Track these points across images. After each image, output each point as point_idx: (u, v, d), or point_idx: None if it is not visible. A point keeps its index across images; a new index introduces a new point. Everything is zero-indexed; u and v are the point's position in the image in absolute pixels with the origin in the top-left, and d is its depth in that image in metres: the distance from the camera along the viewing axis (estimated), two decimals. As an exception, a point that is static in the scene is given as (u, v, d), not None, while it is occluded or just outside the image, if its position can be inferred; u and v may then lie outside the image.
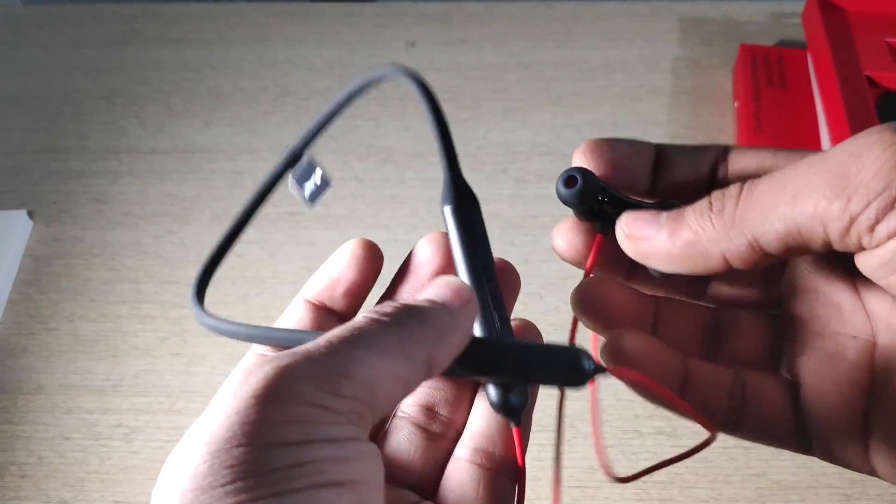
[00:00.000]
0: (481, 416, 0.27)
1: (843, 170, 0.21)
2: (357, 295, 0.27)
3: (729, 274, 0.25)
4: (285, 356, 0.21)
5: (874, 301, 0.26)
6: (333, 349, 0.21)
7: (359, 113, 0.64)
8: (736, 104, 0.61)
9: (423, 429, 0.27)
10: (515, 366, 0.25)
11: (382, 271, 0.28)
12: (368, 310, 0.23)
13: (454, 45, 0.69)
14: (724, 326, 0.29)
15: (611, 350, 0.27)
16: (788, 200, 0.22)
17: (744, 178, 0.26)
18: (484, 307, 0.26)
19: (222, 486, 0.18)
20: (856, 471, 0.26)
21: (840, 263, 0.26)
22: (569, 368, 0.25)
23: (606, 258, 0.28)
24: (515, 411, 0.26)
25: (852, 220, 0.21)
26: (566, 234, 0.28)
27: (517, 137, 0.62)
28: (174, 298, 0.54)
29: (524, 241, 0.56)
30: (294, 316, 0.27)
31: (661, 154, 0.27)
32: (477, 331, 0.26)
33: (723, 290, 0.29)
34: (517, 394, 0.26)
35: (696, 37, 0.68)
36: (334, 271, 0.27)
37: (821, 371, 0.26)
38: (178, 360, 0.52)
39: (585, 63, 0.67)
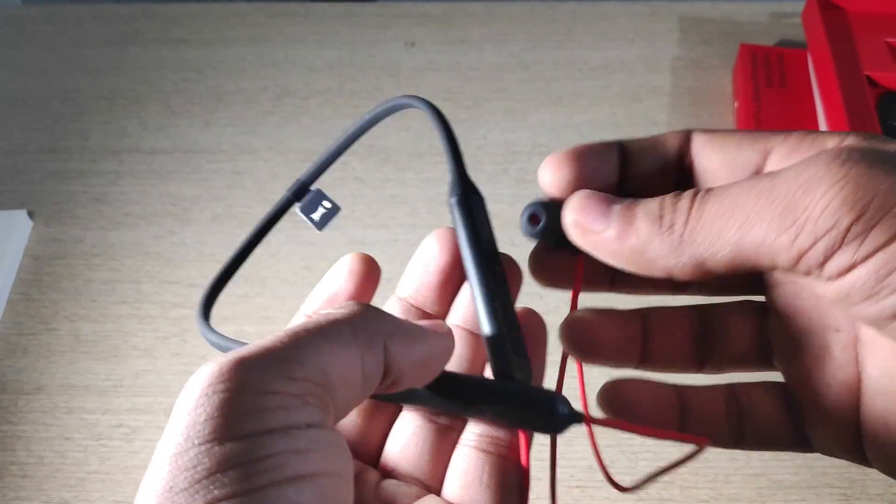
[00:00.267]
0: None
1: (791, 202, 0.20)
2: None
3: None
4: (237, 350, 0.21)
5: None
6: (282, 338, 0.21)
7: (358, 112, 0.64)
8: (736, 104, 0.61)
9: (431, 421, 0.27)
10: (484, 406, 0.25)
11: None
12: (321, 311, 0.23)
13: (454, 45, 0.69)
14: (712, 331, 0.29)
15: (607, 400, 0.27)
16: (736, 228, 0.21)
17: (706, 175, 0.26)
18: (488, 294, 0.26)
19: (182, 490, 0.18)
20: (857, 464, 0.26)
21: None
22: (541, 415, 0.24)
23: (587, 276, 0.28)
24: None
25: (800, 255, 0.21)
26: (536, 264, 0.28)
27: (517, 137, 0.62)
28: (174, 298, 0.54)
29: (524, 241, 0.55)
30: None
31: (625, 151, 0.27)
32: (483, 321, 0.26)
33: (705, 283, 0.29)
34: (519, 366, 0.26)
35: (696, 37, 0.68)
36: (333, 286, 0.27)
37: (810, 370, 0.26)
38: (178, 360, 0.52)
39: (585, 63, 0.67)
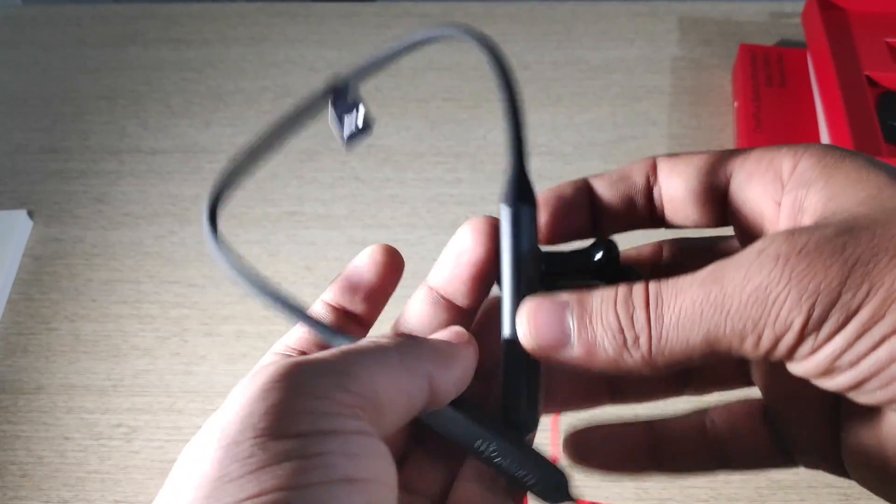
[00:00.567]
0: None
1: (745, 314, 0.21)
2: (377, 300, 0.28)
3: None
4: (295, 358, 0.21)
5: None
6: (340, 355, 0.22)
7: (359, 113, 0.64)
8: (736, 104, 0.61)
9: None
10: (492, 446, 0.25)
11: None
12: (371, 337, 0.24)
13: (454, 44, 0.69)
14: None
15: (572, 449, 0.28)
16: (701, 338, 0.22)
17: (672, 204, 0.26)
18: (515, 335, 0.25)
19: (233, 480, 0.18)
20: (833, 475, 0.27)
21: None
22: (550, 488, 0.25)
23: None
24: (521, 434, 0.26)
25: (766, 354, 0.22)
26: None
27: (517, 137, 0.62)
28: (174, 298, 0.54)
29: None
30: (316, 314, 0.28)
31: (593, 190, 0.27)
32: (506, 358, 0.26)
33: None
34: (528, 416, 0.26)
35: (696, 37, 0.68)
36: (356, 277, 0.27)
37: (787, 391, 0.27)
38: (178, 360, 0.52)
39: (585, 63, 0.67)
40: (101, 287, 0.55)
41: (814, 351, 0.21)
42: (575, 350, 0.24)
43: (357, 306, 0.27)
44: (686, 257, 0.29)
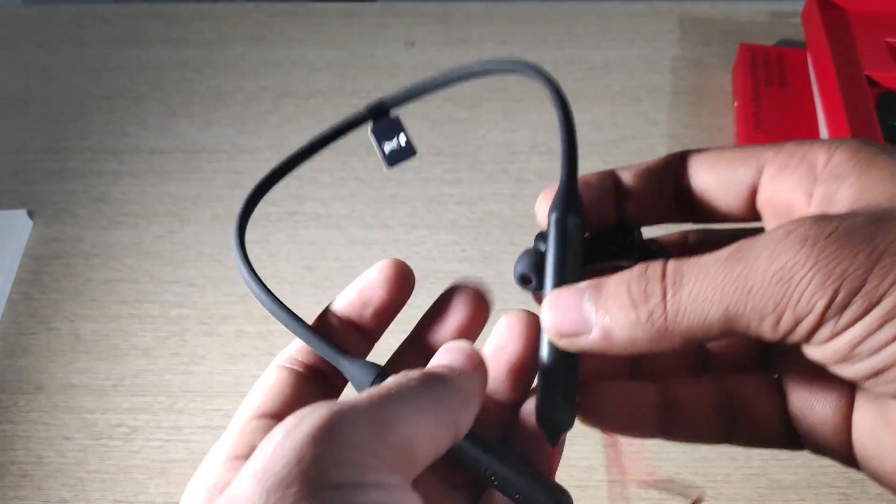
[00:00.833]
0: None
1: (768, 292, 0.21)
2: (386, 317, 0.28)
3: None
4: (334, 403, 0.21)
5: None
6: (375, 403, 0.22)
7: (359, 113, 0.64)
8: (735, 104, 0.61)
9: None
10: (505, 478, 0.25)
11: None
12: (397, 376, 0.24)
13: (454, 45, 0.69)
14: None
15: (582, 408, 0.27)
16: (720, 314, 0.22)
17: (703, 195, 0.26)
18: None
19: None
20: (848, 467, 0.27)
21: None
22: None
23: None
24: (557, 431, 0.26)
25: (785, 336, 0.22)
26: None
27: (517, 137, 0.62)
28: (174, 298, 0.54)
29: (524, 241, 0.55)
30: (323, 326, 0.28)
31: (619, 182, 0.27)
32: (544, 354, 0.26)
33: None
34: (563, 414, 0.26)
35: (696, 37, 0.68)
36: (367, 290, 0.27)
37: (805, 374, 0.26)
38: (178, 359, 0.52)
39: (585, 63, 0.67)
40: (101, 287, 0.55)
41: (833, 336, 0.21)
42: (594, 334, 0.24)
43: (365, 321, 0.27)
44: (712, 246, 0.29)
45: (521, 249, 0.28)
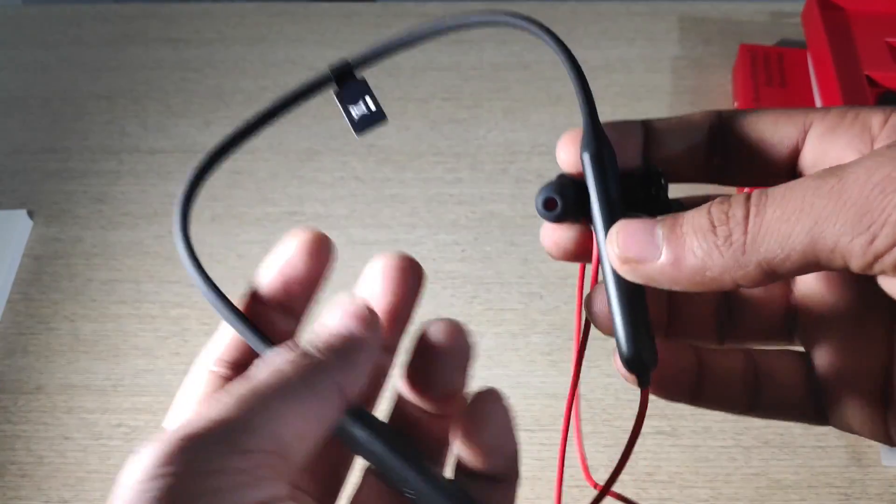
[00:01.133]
0: None
1: (865, 205, 0.20)
2: (310, 291, 0.26)
3: None
4: (189, 424, 0.20)
5: None
6: (232, 405, 0.20)
7: (359, 113, 0.64)
8: (736, 104, 0.61)
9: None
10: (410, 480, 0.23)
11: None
12: (270, 357, 0.22)
13: (454, 44, 0.69)
14: (736, 303, 0.28)
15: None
16: (806, 232, 0.20)
17: (745, 152, 0.25)
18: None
19: None
20: (871, 439, 0.26)
21: None
22: None
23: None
24: (647, 370, 0.24)
25: (876, 258, 0.20)
26: (553, 234, 0.26)
27: (517, 137, 0.62)
28: (174, 298, 0.54)
29: (524, 241, 0.56)
30: (250, 308, 0.26)
31: (650, 130, 0.26)
32: (615, 299, 0.24)
33: None
34: (649, 353, 0.24)
35: (696, 37, 0.68)
36: (288, 269, 0.26)
37: (837, 345, 0.25)
38: (178, 359, 0.52)
39: (585, 63, 0.66)
40: (101, 287, 0.55)
41: None
42: (663, 258, 0.22)
43: (291, 299, 0.26)
44: None
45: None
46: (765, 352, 0.27)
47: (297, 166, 0.61)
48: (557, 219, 0.25)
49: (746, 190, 0.22)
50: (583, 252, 0.25)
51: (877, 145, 0.23)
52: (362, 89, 0.27)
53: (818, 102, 0.58)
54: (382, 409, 0.26)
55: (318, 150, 0.62)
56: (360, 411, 0.23)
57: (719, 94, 0.64)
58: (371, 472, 0.26)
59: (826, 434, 0.47)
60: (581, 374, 0.27)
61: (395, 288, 0.25)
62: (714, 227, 0.22)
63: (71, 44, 0.70)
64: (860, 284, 0.25)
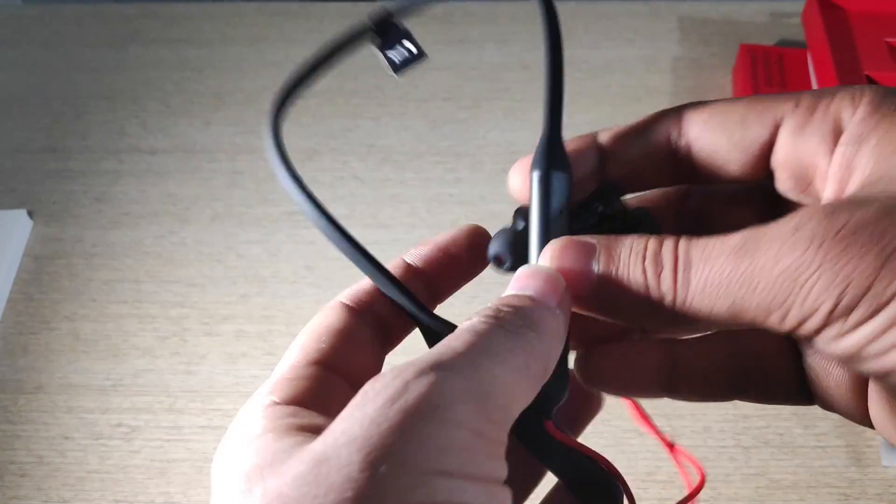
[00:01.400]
0: None
1: (775, 289, 0.21)
2: (459, 280, 0.26)
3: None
4: (433, 366, 0.19)
5: None
6: (471, 361, 0.20)
7: (358, 112, 0.64)
8: (736, 104, 0.61)
9: None
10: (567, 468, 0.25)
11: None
12: (481, 311, 0.22)
13: (454, 44, 0.69)
14: None
15: (584, 372, 0.27)
16: (726, 308, 0.22)
17: (712, 159, 0.24)
18: None
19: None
20: (858, 424, 0.26)
21: None
22: (601, 495, 0.25)
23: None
24: (551, 405, 0.24)
25: (791, 331, 0.21)
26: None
27: (517, 137, 0.62)
28: (174, 298, 0.54)
29: (524, 241, 0.56)
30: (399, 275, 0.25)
31: (604, 147, 0.26)
32: None
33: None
34: (555, 387, 0.24)
35: (696, 37, 0.68)
36: (450, 249, 0.26)
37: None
38: (178, 359, 0.52)
39: (585, 63, 0.67)
40: (101, 287, 0.55)
41: (840, 336, 0.21)
42: (597, 298, 0.23)
43: (440, 281, 0.26)
44: (716, 205, 0.27)
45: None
46: (750, 336, 0.27)
47: (296, 166, 0.61)
48: (510, 270, 0.24)
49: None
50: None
51: (838, 148, 0.23)
52: (401, 34, 0.27)
53: (818, 102, 0.58)
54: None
55: (318, 150, 0.62)
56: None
57: (719, 94, 0.64)
58: (559, 488, 0.26)
59: (826, 434, 0.47)
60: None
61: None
62: (648, 287, 0.22)
63: (71, 43, 0.70)
64: None
